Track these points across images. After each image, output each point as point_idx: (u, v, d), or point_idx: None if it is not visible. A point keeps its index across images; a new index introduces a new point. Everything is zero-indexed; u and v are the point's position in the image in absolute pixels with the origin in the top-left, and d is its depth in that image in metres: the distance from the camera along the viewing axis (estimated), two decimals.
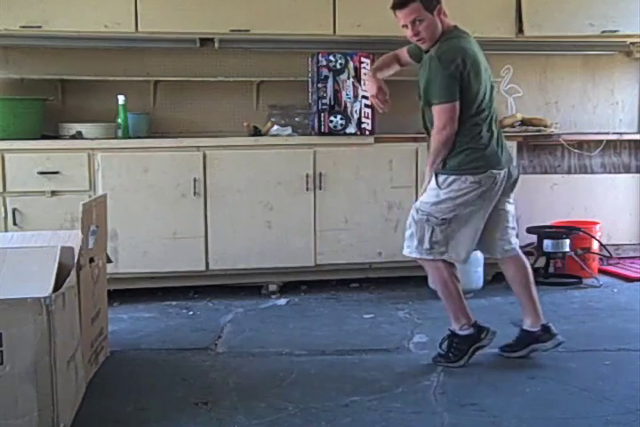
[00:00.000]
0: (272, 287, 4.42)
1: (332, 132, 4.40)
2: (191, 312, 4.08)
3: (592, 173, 5.20)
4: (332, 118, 4.39)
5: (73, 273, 2.71)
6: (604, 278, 4.71)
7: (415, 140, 4.43)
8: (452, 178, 3.09)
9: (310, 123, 4.56)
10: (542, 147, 5.03)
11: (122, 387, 2.98)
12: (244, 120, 4.50)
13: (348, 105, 4.40)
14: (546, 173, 5.11)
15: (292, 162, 4.31)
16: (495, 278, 4.52)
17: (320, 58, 4.36)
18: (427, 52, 3.12)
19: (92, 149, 4.13)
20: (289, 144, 4.35)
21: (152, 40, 4.44)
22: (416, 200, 3.29)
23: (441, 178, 3.11)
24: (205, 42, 4.55)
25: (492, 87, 3.18)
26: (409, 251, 3.23)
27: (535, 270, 4.24)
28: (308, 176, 4.31)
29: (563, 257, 4.71)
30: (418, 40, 3.11)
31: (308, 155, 4.32)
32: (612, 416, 2.64)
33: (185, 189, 4.20)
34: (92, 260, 3.03)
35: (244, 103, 4.76)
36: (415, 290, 4.46)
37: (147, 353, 3.40)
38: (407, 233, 3.23)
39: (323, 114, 4.39)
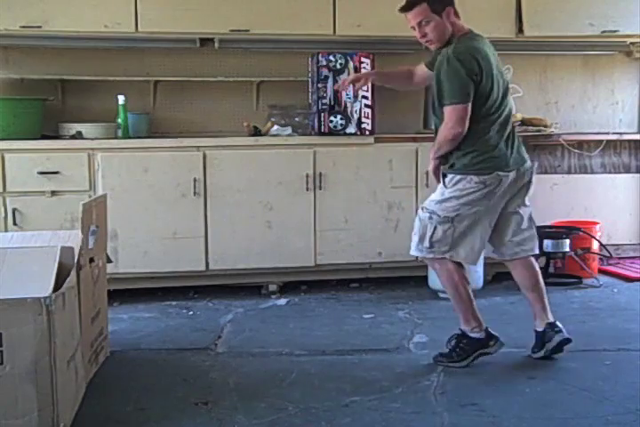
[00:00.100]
0: (272, 287, 4.42)
1: (332, 133, 4.40)
2: (191, 312, 4.08)
3: (592, 173, 5.20)
4: (332, 118, 4.39)
5: (73, 273, 2.71)
6: (603, 278, 4.71)
7: (415, 140, 4.43)
8: (457, 177, 3.10)
9: (310, 123, 4.56)
10: (542, 147, 5.03)
11: (122, 387, 2.98)
12: (244, 120, 4.50)
13: (348, 105, 4.40)
14: (546, 173, 5.11)
15: (292, 162, 4.31)
16: (495, 278, 4.53)
17: (320, 58, 4.36)
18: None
19: (92, 149, 4.12)
20: (289, 144, 4.34)
21: (152, 40, 4.44)
22: (416, 200, 3.29)
23: (448, 177, 3.13)
24: (205, 42, 4.55)
25: (505, 90, 3.15)
26: (412, 249, 3.24)
27: None
28: (307, 176, 4.31)
29: (563, 257, 4.71)
30: (426, 41, 3.16)
31: (308, 155, 4.32)
32: (612, 416, 2.64)
33: (185, 189, 4.20)
34: (92, 260, 3.03)
35: (244, 103, 4.76)
36: (415, 290, 4.46)
37: (147, 353, 3.40)
38: (413, 232, 3.25)
39: (323, 114, 4.39)
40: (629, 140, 5.19)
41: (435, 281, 4.34)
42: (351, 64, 4.37)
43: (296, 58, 4.63)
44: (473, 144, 3.07)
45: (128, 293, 4.22)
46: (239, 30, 4.40)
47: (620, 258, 5.10)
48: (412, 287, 4.51)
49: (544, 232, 4.70)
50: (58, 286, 2.53)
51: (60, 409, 2.45)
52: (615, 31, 4.76)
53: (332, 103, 4.39)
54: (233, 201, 4.26)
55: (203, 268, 4.28)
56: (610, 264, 4.98)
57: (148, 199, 4.17)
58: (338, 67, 4.37)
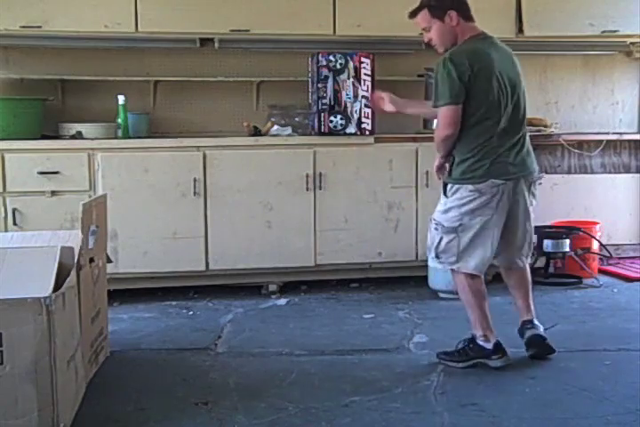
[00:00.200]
0: (272, 287, 4.42)
1: (332, 133, 4.40)
2: (191, 312, 4.08)
3: (592, 173, 5.20)
4: (332, 118, 4.38)
5: (73, 273, 2.71)
6: (603, 278, 4.71)
7: (415, 140, 4.44)
8: (455, 187, 3.10)
9: (310, 123, 4.56)
10: (542, 147, 5.03)
11: (122, 387, 2.98)
12: (244, 120, 4.50)
13: (348, 105, 4.40)
14: (546, 173, 5.09)
15: (292, 162, 4.31)
16: (495, 278, 4.52)
17: (320, 58, 4.36)
18: None
19: (92, 149, 4.12)
20: (289, 144, 4.34)
21: (152, 40, 4.44)
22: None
23: (448, 187, 3.14)
24: (205, 42, 4.55)
25: (514, 95, 3.10)
26: (428, 258, 3.28)
27: (535, 270, 4.26)
28: (307, 176, 4.31)
29: (563, 257, 4.71)
30: (433, 46, 3.20)
31: (308, 155, 4.32)
32: (612, 416, 2.64)
33: (185, 189, 4.20)
34: (92, 260, 3.03)
35: (244, 103, 4.76)
36: (415, 290, 4.46)
37: (147, 353, 3.40)
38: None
39: (323, 114, 4.39)
40: (629, 141, 5.20)
41: (435, 281, 4.35)
42: (351, 64, 4.37)
43: (296, 58, 4.63)
44: (470, 150, 3.06)
45: (128, 293, 4.22)
46: (239, 30, 4.40)
47: (619, 258, 5.10)
48: (412, 287, 4.51)
49: (544, 232, 4.70)
50: (58, 285, 2.53)
51: (60, 409, 2.45)
52: (615, 31, 4.76)
53: (332, 103, 4.39)
54: (233, 201, 4.26)
55: (203, 268, 4.28)
56: (610, 264, 4.97)
57: (148, 199, 4.17)
58: (338, 67, 4.37)
